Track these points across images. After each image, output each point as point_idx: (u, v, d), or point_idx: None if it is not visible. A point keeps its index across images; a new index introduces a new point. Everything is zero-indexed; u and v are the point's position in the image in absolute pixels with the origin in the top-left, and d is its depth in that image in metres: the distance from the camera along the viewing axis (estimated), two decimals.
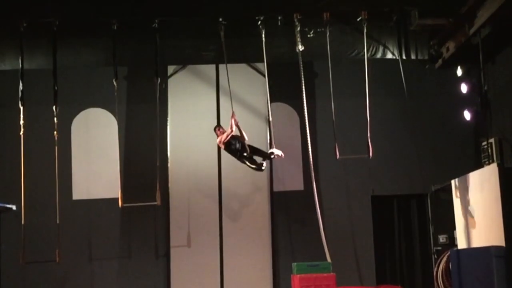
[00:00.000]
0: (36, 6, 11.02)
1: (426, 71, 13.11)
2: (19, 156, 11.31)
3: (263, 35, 11.38)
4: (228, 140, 10.94)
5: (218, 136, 11.14)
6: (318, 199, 11.81)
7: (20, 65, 11.38)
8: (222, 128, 11.20)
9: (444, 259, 11.55)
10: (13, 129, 11.58)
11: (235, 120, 10.91)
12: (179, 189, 13.04)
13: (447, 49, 12.25)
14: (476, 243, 10.80)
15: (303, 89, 11.67)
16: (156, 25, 11.33)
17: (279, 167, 13.16)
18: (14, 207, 11.82)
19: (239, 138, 11.01)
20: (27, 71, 11.58)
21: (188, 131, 13.20)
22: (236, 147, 10.96)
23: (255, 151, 11.13)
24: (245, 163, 11.07)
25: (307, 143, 11.79)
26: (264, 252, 12.94)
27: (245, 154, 10.93)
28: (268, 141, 13.03)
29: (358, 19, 11.56)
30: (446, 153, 13.14)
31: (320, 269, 11.10)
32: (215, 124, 12.97)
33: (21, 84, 11.34)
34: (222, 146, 11.09)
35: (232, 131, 10.92)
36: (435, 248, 12.81)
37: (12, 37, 11.48)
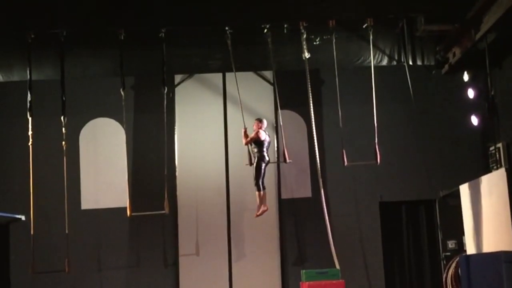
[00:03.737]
0: (44, 18, 11.11)
1: (432, 77, 13.11)
2: (27, 166, 11.38)
3: (270, 43, 11.41)
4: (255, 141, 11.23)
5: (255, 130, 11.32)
6: (326, 206, 11.79)
7: (28, 76, 11.48)
8: (258, 125, 11.34)
9: (453, 265, 11.52)
10: (22, 139, 11.64)
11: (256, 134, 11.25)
12: (187, 198, 13.05)
13: (453, 55, 12.25)
14: (486, 248, 10.78)
15: (310, 97, 11.70)
16: (163, 35, 11.38)
17: (287, 174, 13.18)
18: (23, 218, 11.91)
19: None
20: (35, 82, 11.66)
21: (195, 139, 13.22)
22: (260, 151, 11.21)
23: (258, 174, 11.25)
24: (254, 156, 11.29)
25: (314, 150, 11.80)
26: (273, 260, 12.94)
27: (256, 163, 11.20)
28: (276, 149, 13.07)
29: (364, 26, 11.60)
30: (454, 159, 13.11)
31: (329, 276, 11.07)
32: (223, 132, 13.04)
33: (29, 95, 11.42)
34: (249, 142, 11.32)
35: (254, 137, 11.18)
36: (444, 254, 12.78)
37: (20, 49, 11.57)
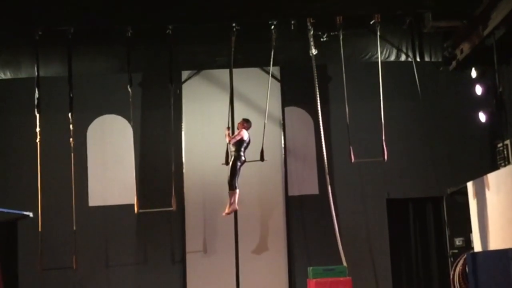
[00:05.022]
0: (51, 15, 11.11)
1: (440, 73, 13.07)
2: (35, 163, 11.40)
3: (274, 40, 11.38)
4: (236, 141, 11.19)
5: (239, 129, 11.34)
6: (333, 203, 11.80)
7: (36, 73, 11.48)
8: (243, 125, 11.36)
9: (461, 262, 11.49)
10: (30, 136, 11.66)
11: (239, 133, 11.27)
12: (194, 194, 13.06)
13: (461, 51, 12.21)
14: (493, 245, 10.74)
15: (317, 93, 11.69)
16: (170, 31, 11.39)
17: (294, 171, 13.17)
18: (31, 214, 11.96)
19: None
20: (42, 78, 11.67)
21: (202, 136, 13.23)
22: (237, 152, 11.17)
23: (232, 174, 11.20)
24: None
25: (321, 147, 11.79)
26: (280, 257, 12.93)
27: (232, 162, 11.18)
28: (283, 145, 13.08)
29: (371, 22, 11.57)
30: (461, 156, 13.07)
31: (336, 273, 11.08)
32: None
33: (37, 91, 11.43)
34: (232, 141, 11.29)
35: (237, 138, 11.17)
36: (451, 251, 12.76)
37: (27, 45, 11.61)
